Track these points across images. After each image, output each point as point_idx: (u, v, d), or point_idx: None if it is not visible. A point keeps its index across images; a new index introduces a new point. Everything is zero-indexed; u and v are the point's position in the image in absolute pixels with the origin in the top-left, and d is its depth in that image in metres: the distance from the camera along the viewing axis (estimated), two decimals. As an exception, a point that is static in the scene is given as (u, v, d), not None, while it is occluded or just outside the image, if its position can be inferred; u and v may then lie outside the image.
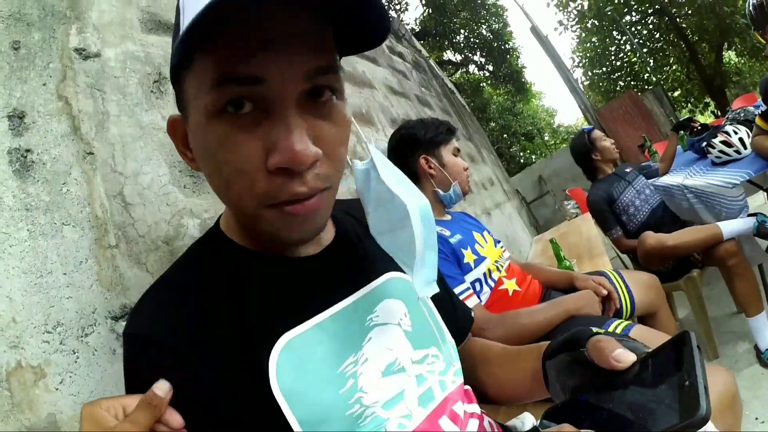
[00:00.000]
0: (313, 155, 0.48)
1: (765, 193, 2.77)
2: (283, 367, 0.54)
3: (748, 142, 2.48)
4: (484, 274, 1.46)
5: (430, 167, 1.56)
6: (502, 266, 1.55)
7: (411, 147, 1.58)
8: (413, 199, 0.57)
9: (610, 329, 1.25)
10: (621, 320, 1.30)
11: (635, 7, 15.26)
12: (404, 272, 0.70)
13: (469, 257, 1.45)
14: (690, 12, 14.21)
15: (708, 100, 16.66)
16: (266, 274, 0.61)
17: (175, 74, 0.54)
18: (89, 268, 0.78)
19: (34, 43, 0.88)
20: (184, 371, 0.52)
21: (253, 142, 0.49)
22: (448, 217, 1.63)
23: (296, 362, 0.55)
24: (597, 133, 2.76)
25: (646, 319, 1.65)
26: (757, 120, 2.24)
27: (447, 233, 1.47)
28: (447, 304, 0.81)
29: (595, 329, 0.57)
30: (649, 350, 0.48)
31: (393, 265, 0.70)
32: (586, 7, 16.13)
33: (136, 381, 0.53)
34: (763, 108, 2.17)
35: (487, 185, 4.58)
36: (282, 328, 0.56)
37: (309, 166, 0.49)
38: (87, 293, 0.76)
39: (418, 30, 11.94)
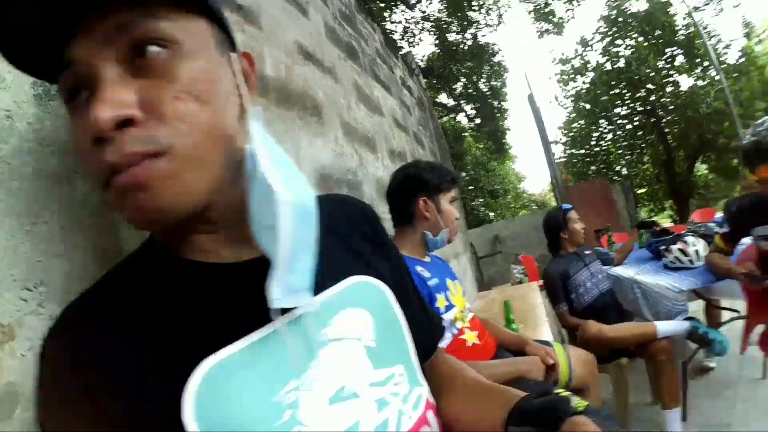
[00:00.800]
0: (111, 117, 0.42)
1: (704, 303, 3.02)
2: (202, 399, 0.45)
3: (702, 255, 2.73)
4: (450, 321, 1.53)
5: (427, 210, 1.61)
6: (466, 317, 1.62)
7: (415, 186, 1.63)
8: (293, 188, 0.46)
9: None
10: (562, 390, 1.41)
11: (628, 102, 16.17)
12: (372, 275, 0.63)
13: (441, 302, 1.52)
14: (677, 119, 15.12)
15: (668, 204, 17.60)
16: (191, 285, 0.52)
17: None
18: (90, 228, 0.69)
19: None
20: (93, 403, 0.46)
21: (84, 123, 0.45)
22: (428, 259, 1.69)
23: (219, 393, 0.46)
24: (573, 215, 2.91)
25: (577, 392, 1.76)
26: (717, 239, 2.48)
27: (427, 275, 1.54)
28: (419, 313, 0.73)
29: (575, 401, 0.53)
30: None
31: (360, 268, 0.63)
32: (584, 90, 16.97)
33: (50, 406, 0.48)
34: (725, 229, 2.40)
35: (454, 232, 4.69)
36: (204, 352, 0.47)
37: (111, 128, 0.43)
38: (82, 257, 0.67)
39: (423, 66, 12.20)
